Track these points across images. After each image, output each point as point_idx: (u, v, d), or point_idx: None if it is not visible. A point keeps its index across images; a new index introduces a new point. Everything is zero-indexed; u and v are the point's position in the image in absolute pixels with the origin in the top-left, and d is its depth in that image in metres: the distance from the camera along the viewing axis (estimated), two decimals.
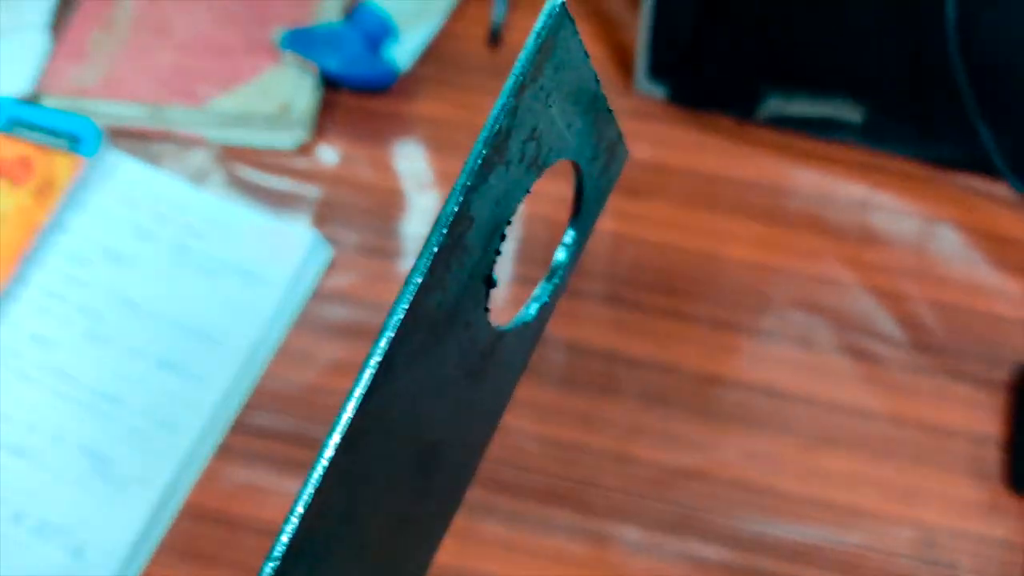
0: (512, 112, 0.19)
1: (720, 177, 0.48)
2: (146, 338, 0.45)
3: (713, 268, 0.46)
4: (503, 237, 0.21)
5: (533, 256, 0.46)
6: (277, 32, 0.51)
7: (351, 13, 0.52)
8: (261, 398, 0.44)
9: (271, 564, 0.17)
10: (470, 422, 0.24)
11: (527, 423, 0.43)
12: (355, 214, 0.49)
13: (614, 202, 0.48)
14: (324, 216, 0.48)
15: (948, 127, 0.46)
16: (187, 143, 0.50)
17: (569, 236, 0.25)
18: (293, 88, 0.50)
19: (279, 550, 0.17)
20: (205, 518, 0.41)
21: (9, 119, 0.49)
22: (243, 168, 0.50)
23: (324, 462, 0.18)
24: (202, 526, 0.41)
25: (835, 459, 0.42)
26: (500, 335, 0.23)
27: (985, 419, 0.42)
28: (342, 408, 0.18)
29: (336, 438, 0.18)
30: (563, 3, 0.20)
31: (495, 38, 0.52)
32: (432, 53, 0.52)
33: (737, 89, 0.49)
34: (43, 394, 0.44)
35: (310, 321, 0.46)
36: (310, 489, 0.18)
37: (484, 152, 0.19)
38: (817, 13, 0.46)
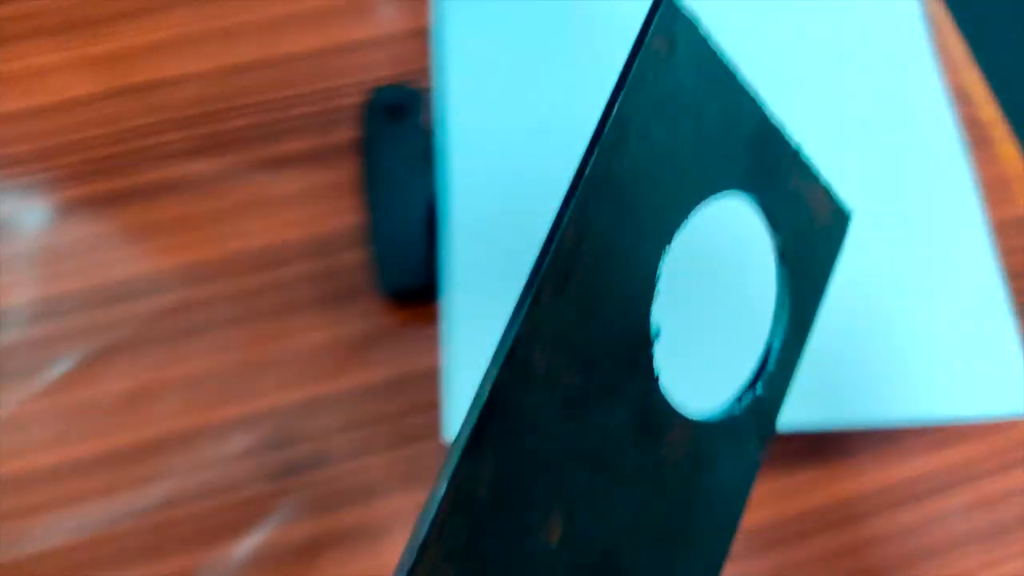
0: (626, 112, 0.16)
1: None
2: None
3: None
4: (656, 273, 0.17)
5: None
6: None
7: None
8: None
9: None
10: (667, 550, 0.18)
11: None
12: None
13: None
14: None
15: None
16: None
17: (780, 310, 0.20)
18: None
19: None
20: None
21: None
22: None
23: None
24: None
25: None
26: (696, 428, 0.18)
27: None
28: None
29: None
30: None
31: None
32: None
33: None
34: None
35: None
36: None
37: (595, 157, 0.16)
38: None
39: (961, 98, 0.42)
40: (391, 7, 0.46)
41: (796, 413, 0.34)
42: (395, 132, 0.42)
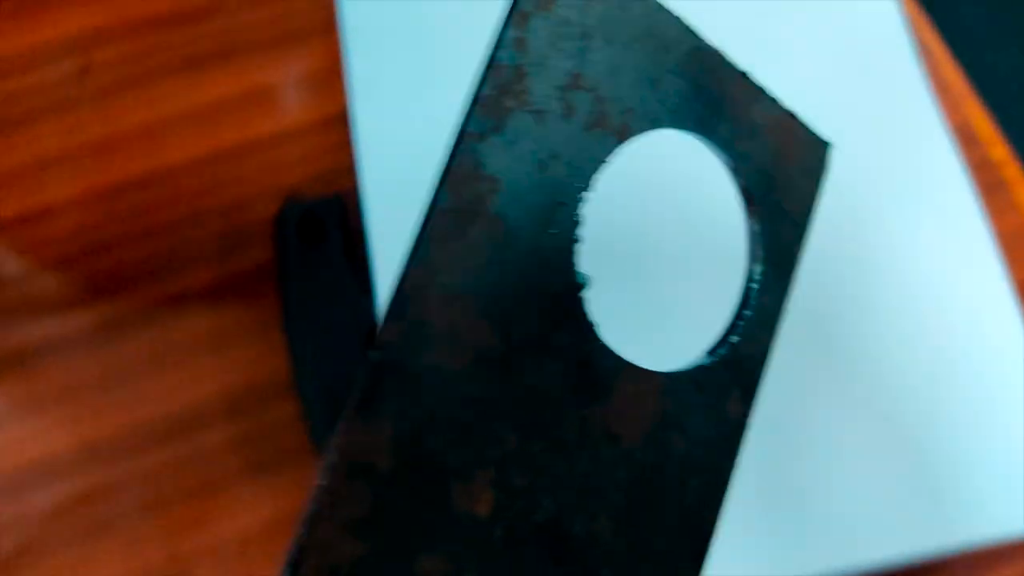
0: (517, 44, 0.15)
1: None
2: None
3: None
4: (576, 220, 0.16)
5: None
6: None
7: None
8: None
9: None
10: (636, 516, 0.16)
11: None
12: None
13: None
14: None
15: None
16: None
17: (754, 251, 0.18)
18: None
19: None
20: None
21: None
22: None
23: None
24: None
25: None
26: (660, 383, 0.17)
27: None
28: None
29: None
30: None
31: None
32: None
33: None
34: None
35: None
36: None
37: (483, 89, 0.15)
38: None
39: (966, 138, 0.37)
40: (297, 92, 0.39)
41: (826, 559, 0.29)
42: (312, 252, 0.35)
